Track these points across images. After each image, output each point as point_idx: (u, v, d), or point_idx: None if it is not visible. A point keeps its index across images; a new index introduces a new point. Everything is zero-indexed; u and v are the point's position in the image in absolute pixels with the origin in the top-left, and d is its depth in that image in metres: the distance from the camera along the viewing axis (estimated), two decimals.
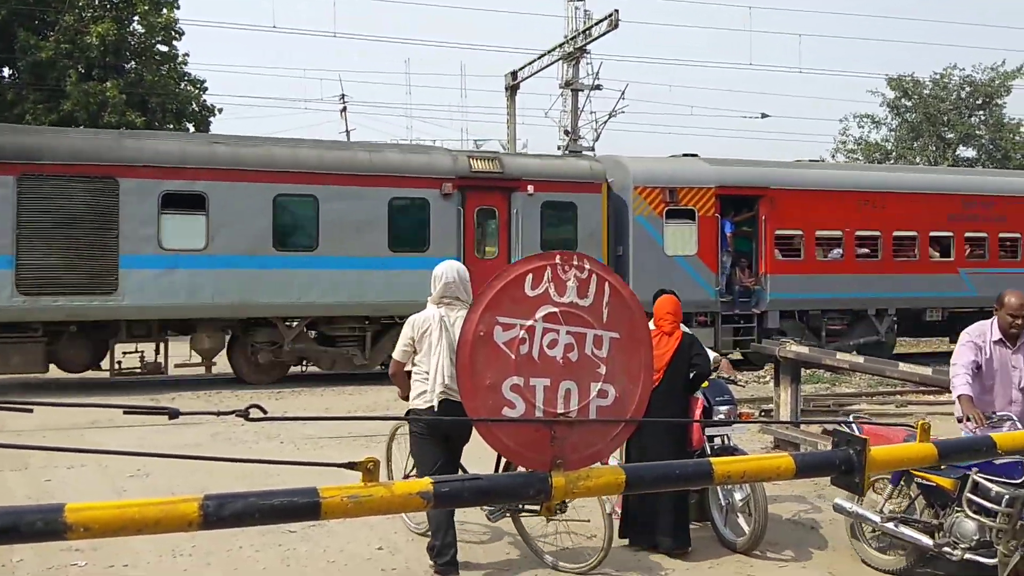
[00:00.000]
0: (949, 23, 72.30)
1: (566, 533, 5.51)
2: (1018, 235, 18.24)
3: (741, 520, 5.88)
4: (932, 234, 17.58)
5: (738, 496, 5.86)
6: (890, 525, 5.23)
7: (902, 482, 5.32)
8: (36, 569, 5.26)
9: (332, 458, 3.46)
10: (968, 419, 4.95)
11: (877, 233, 17.13)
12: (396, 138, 30.26)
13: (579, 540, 5.56)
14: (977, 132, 38.22)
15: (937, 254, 17.74)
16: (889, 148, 39.19)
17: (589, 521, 5.46)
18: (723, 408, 6.05)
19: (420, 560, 5.40)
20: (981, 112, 38.30)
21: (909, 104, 38.38)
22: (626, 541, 5.83)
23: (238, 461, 2.17)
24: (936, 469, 4.86)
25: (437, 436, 5.08)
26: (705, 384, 6.14)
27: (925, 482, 5.11)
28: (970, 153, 38.84)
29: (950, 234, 17.66)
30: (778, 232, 16.65)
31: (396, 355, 5.28)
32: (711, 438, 5.97)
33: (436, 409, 5.00)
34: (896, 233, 17.24)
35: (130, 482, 7.36)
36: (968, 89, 37.87)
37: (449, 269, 5.26)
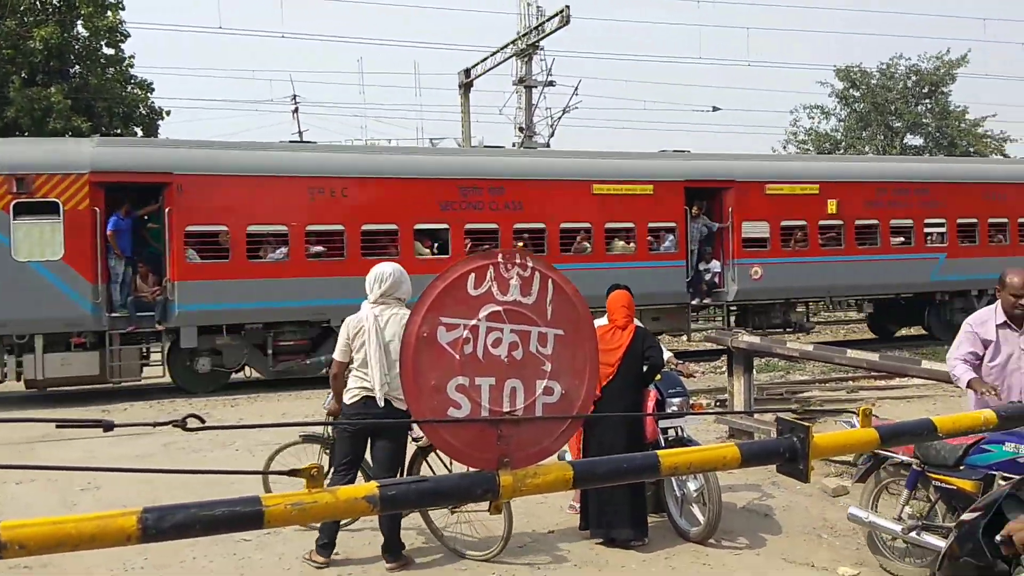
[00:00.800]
0: (895, 13, 73.62)
1: (471, 523, 5.71)
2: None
3: (696, 510, 5.95)
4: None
5: (692, 487, 5.93)
6: (912, 534, 4.92)
7: (919, 485, 5.04)
8: None
9: (287, 464, 3.42)
10: (983, 392, 4.78)
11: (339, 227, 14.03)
12: (350, 139, 30.04)
13: (485, 529, 5.69)
14: (924, 120, 38.99)
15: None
16: (839, 138, 39.83)
17: (500, 513, 5.54)
18: (676, 400, 6.15)
19: (377, 563, 5.40)
20: (927, 101, 39.07)
21: (857, 94, 39.03)
22: (587, 533, 5.89)
23: (178, 472, 2.14)
24: (955, 471, 4.70)
25: (360, 433, 5.37)
26: (658, 377, 6.22)
27: (944, 485, 4.80)
28: (917, 141, 39.62)
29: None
30: (190, 229, 13.40)
31: (336, 356, 5.44)
32: (665, 430, 6.03)
33: (372, 404, 5.23)
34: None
35: (81, 495, 7.22)
36: (914, 78, 38.62)
37: (387, 269, 5.38)
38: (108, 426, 1.95)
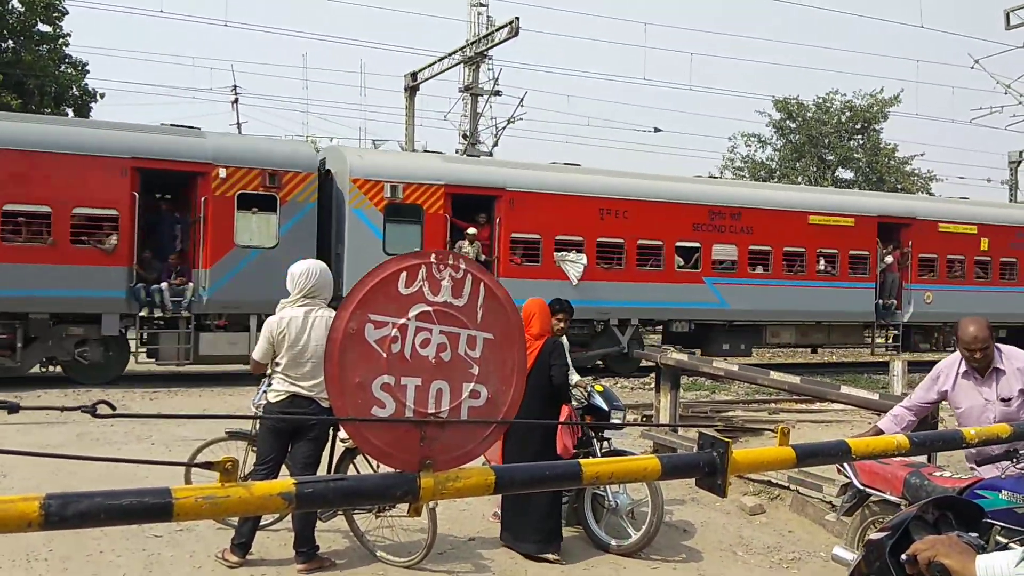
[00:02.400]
0: (834, 49, 75.92)
1: (396, 529, 5.68)
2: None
3: (626, 523, 6.00)
4: None
5: (624, 500, 5.98)
6: None
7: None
8: None
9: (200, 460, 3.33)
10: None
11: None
12: (291, 135, 29.65)
13: (408, 535, 5.67)
14: (855, 155, 40.20)
15: None
16: (773, 167, 40.80)
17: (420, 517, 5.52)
18: (619, 413, 6.22)
19: (291, 566, 5.30)
20: (859, 136, 40.32)
21: (793, 126, 40.08)
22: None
23: (87, 459, 2.06)
24: None
25: (284, 431, 5.33)
26: (599, 388, 6.28)
27: None
28: (848, 175, 40.82)
29: None
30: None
31: (256, 356, 5.39)
32: (600, 441, 6.10)
33: (298, 403, 5.20)
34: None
35: None
36: (848, 114, 39.83)
37: (312, 268, 5.32)
38: (13, 408, 1.87)
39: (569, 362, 6.17)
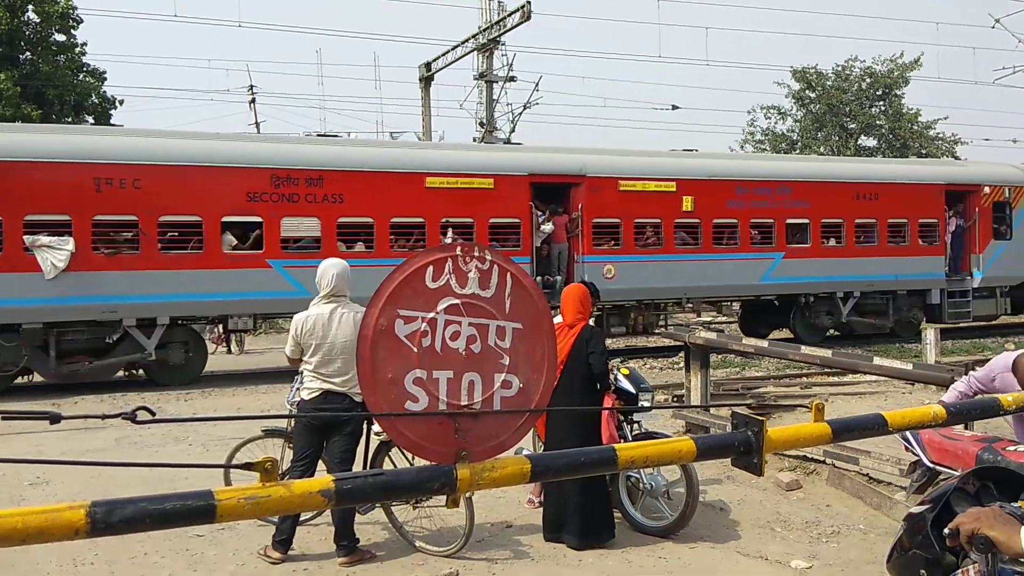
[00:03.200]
0: (851, 16, 74.88)
1: (434, 519, 5.76)
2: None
3: (662, 504, 5.99)
4: None
5: (660, 481, 5.96)
6: None
7: None
8: None
9: (250, 459, 3.37)
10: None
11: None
12: (310, 131, 29.74)
13: (446, 525, 5.73)
14: (878, 122, 39.69)
15: None
16: (795, 139, 40.38)
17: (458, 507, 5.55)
18: (647, 395, 6.19)
19: (332, 560, 5.36)
20: (881, 103, 39.79)
21: (813, 95, 39.62)
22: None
23: (129, 465, 2.09)
24: None
25: (318, 427, 5.37)
26: (625, 372, 6.24)
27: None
28: (871, 143, 40.32)
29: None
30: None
31: (287, 352, 5.52)
32: (631, 424, 6.08)
33: (332, 399, 5.27)
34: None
35: (29, 491, 7.06)
36: (868, 81, 39.30)
37: (333, 267, 5.39)
38: (55, 418, 1.90)
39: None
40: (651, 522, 5.97)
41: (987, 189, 19.99)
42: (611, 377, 6.23)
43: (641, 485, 6.03)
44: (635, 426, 6.16)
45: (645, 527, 5.94)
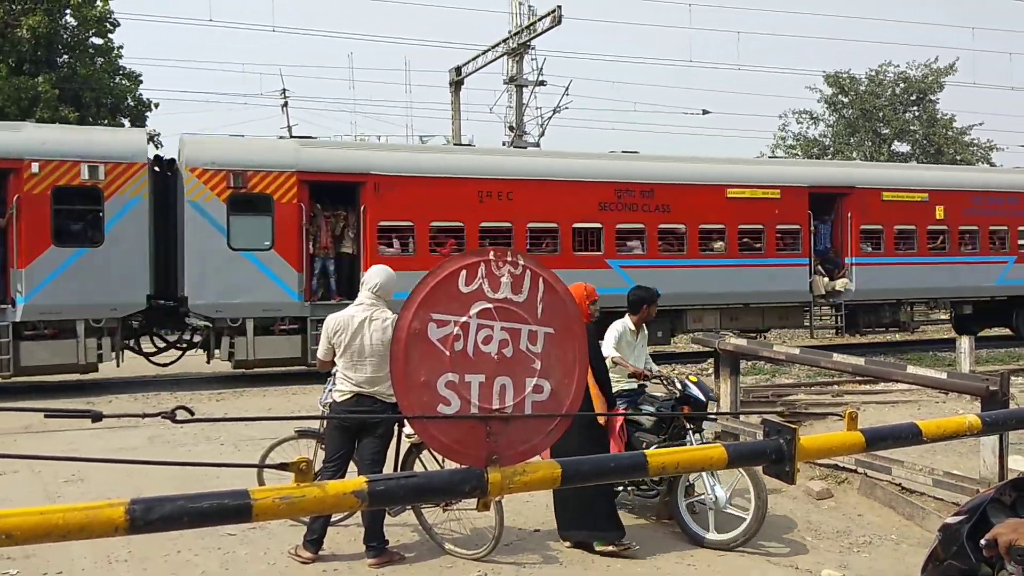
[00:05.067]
0: (885, 20, 74.03)
1: (463, 521, 5.75)
2: None
3: (722, 516, 5.82)
4: None
5: (721, 492, 5.80)
6: None
7: None
8: None
9: (283, 459, 3.42)
10: None
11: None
12: (340, 135, 29.98)
13: (476, 528, 5.73)
14: (911, 128, 39.22)
15: None
16: (827, 144, 40.02)
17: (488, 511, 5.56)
18: (712, 404, 6.19)
19: (362, 560, 5.39)
20: (915, 108, 39.31)
21: (846, 100, 39.22)
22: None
23: (166, 464, 2.13)
24: None
25: (350, 429, 5.44)
26: (694, 379, 6.19)
27: None
28: (905, 148, 39.86)
29: None
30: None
31: (319, 354, 5.60)
32: (696, 432, 5.96)
33: (363, 402, 5.33)
34: None
35: (64, 487, 7.18)
36: (902, 86, 38.85)
37: (379, 272, 5.49)
38: (96, 416, 1.94)
39: (606, 344, 6.31)
40: (719, 536, 5.77)
41: None
42: (677, 384, 6.21)
43: (706, 499, 5.85)
44: (698, 436, 5.94)
45: (712, 542, 5.75)
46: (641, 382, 6.62)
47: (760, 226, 17.40)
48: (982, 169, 30.43)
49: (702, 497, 5.93)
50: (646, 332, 6.95)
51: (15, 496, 6.86)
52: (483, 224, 15.29)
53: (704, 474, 5.77)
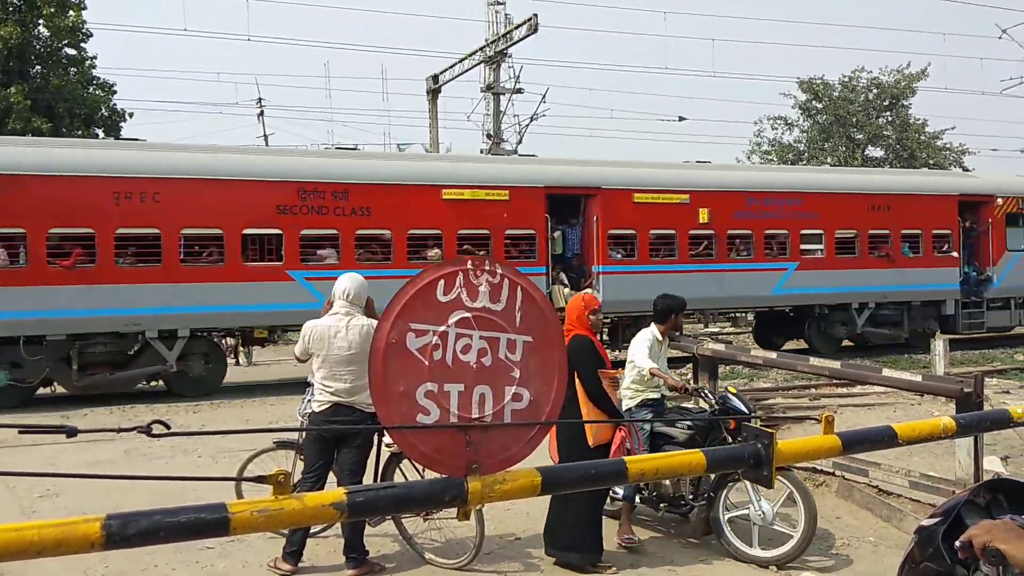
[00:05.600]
0: (857, 27, 74.87)
1: (444, 531, 5.75)
2: None
3: (780, 526, 5.70)
4: None
5: (767, 507, 5.65)
6: None
7: None
8: None
9: (262, 471, 3.40)
10: None
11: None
12: (316, 143, 29.88)
13: (456, 537, 5.71)
14: (885, 133, 39.63)
15: None
16: (802, 149, 40.36)
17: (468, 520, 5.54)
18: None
19: (342, 572, 5.36)
20: (888, 113, 39.74)
21: (820, 106, 39.59)
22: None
23: (142, 479, 2.11)
24: None
25: (328, 439, 5.40)
26: (733, 390, 6.08)
27: None
28: (878, 153, 40.28)
29: None
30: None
31: (297, 352, 5.61)
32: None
33: (341, 411, 5.30)
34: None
35: (39, 503, 7.08)
36: (875, 91, 39.26)
37: (349, 281, 5.46)
38: (71, 432, 1.92)
39: (640, 355, 6.17)
40: (765, 553, 5.64)
41: (1000, 200, 19.88)
42: (712, 397, 6.00)
43: (752, 515, 5.70)
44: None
45: (759, 559, 5.62)
46: (666, 393, 6.43)
47: (485, 231, 15.52)
48: (757, 167, 29.40)
49: (746, 512, 5.76)
50: (668, 342, 6.80)
51: None
52: (120, 231, 13.21)
53: (749, 489, 5.65)
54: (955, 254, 19.25)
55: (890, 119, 39.75)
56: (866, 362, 12.98)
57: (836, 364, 7.29)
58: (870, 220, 18.67)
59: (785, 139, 40.96)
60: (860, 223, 18.58)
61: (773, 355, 8.29)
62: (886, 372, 6.83)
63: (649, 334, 6.45)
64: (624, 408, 6.14)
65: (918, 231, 19.11)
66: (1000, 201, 19.78)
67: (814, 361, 7.54)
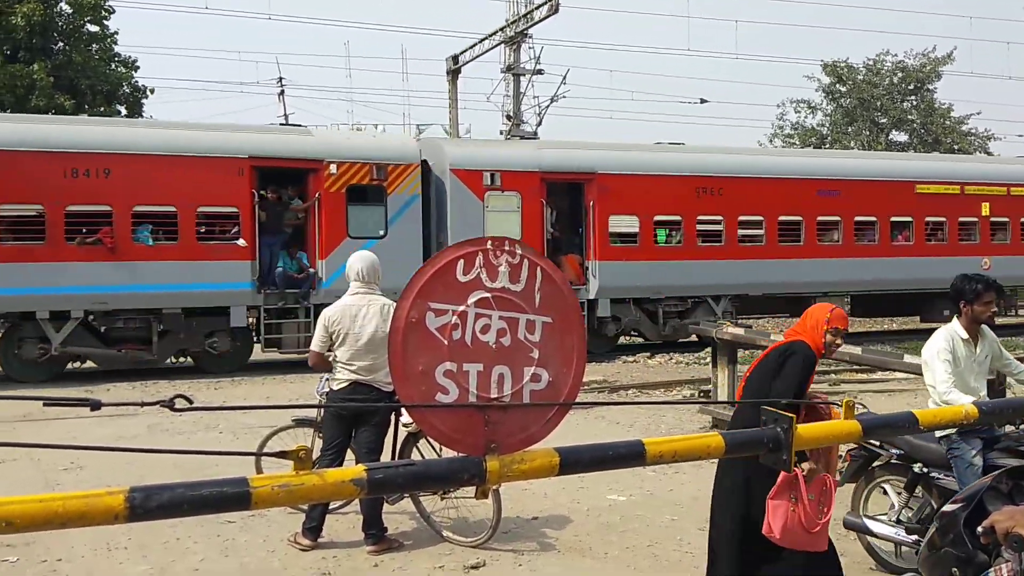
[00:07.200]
0: (882, 9, 73.79)
1: (461, 509, 5.78)
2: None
3: None
4: None
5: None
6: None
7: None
8: None
9: (281, 447, 3.44)
10: None
11: None
12: (337, 123, 29.97)
13: (473, 516, 5.76)
14: (909, 117, 39.16)
15: None
16: (825, 133, 39.97)
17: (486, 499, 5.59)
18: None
19: (361, 548, 5.41)
20: (913, 97, 39.25)
21: (844, 89, 39.15)
22: (572, 520, 5.89)
23: (164, 452, 2.14)
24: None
25: (347, 417, 5.44)
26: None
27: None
28: (902, 137, 39.82)
29: None
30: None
31: (314, 347, 5.52)
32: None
33: (360, 390, 5.31)
34: None
35: (63, 475, 7.20)
36: (900, 75, 38.77)
37: (361, 260, 5.45)
38: (95, 405, 1.94)
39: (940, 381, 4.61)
40: None
41: (334, 167, 15.05)
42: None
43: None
44: None
45: None
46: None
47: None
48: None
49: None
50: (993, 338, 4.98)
51: (15, 483, 6.87)
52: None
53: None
54: (242, 242, 14.04)
55: (915, 103, 39.27)
56: (887, 348, 12.90)
57: (857, 350, 7.25)
58: None
59: (808, 123, 40.59)
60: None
61: None
62: (908, 358, 6.79)
63: (947, 335, 4.81)
64: (940, 436, 4.65)
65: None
66: (335, 168, 14.68)
67: None
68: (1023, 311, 23.70)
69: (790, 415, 2.53)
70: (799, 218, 17.65)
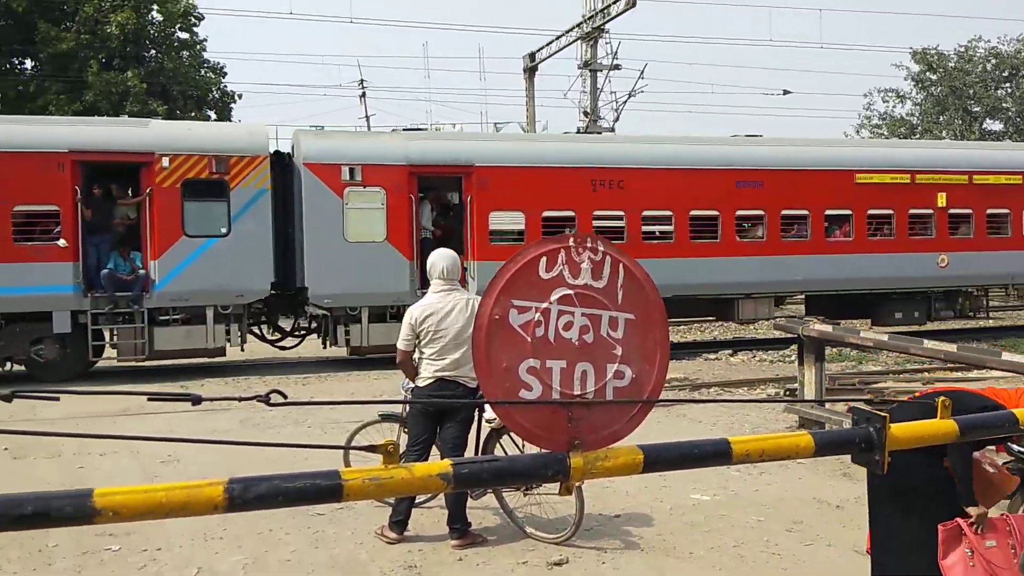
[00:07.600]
0: None
1: (544, 506, 5.74)
2: None
3: None
4: None
5: None
6: None
7: None
8: (71, 554, 5.37)
9: (367, 442, 3.52)
10: None
11: None
12: (414, 123, 30.31)
13: (556, 513, 5.73)
14: (1004, 105, 37.60)
15: None
16: (915, 123, 38.69)
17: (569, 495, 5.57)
18: None
19: (445, 542, 5.49)
20: (1007, 84, 37.68)
21: (934, 78, 37.84)
22: (653, 519, 5.85)
23: (258, 445, 2.22)
24: None
25: (432, 413, 5.48)
26: None
27: None
28: (997, 126, 38.26)
29: None
30: None
31: (400, 345, 5.59)
32: None
33: (446, 386, 5.36)
34: None
35: (161, 467, 7.48)
36: (994, 61, 37.28)
37: (444, 258, 5.51)
38: (196, 400, 2.03)
39: None
40: None
41: (167, 160, 14.17)
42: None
43: None
44: None
45: None
46: None
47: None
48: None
49: None
50: None
51: (116, 475, 7.19)
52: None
53: None
54: (63, 242, 13.09)
55: (1010, 91, 37.66)
56: (983, 345, 12.42)
57: (952, 347, 7.00)
58: None
59: (897, 112, 39.35)
60: None
61: (884, 337, 8.01)
62: (1006, 356, 6.53)
63: None
64: None
65: None
66: (167, 162, 13.67)
67: (928, 344, 7.26)
68: (995, 314, 21.37)
69: (883, 414, 2.47)
70: (715, 213, 16.01)
